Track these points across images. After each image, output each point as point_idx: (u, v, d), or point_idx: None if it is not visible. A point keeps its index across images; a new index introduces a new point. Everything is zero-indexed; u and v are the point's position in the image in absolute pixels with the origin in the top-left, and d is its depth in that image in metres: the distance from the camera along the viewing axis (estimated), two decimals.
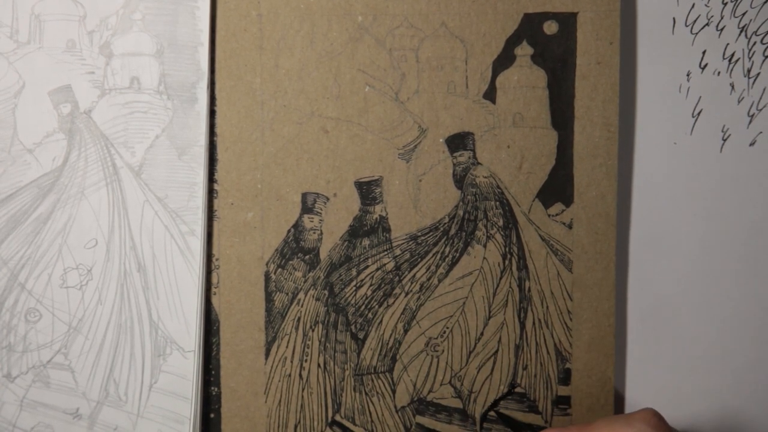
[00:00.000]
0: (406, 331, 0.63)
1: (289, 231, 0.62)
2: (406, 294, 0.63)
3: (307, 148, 0.62)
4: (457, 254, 0.63)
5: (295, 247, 0.62)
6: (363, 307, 0.63)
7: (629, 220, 0.65)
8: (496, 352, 0.64)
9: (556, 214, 0.63)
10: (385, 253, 0.63)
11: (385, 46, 0.61)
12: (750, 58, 0.64)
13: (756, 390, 0.66)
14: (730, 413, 0.66)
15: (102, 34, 0.60)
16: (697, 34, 0.64)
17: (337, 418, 0.63)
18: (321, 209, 0.62)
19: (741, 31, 0.64)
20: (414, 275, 0.63)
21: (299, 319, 0.63)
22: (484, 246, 0.63)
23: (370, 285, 0.63)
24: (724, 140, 0.64)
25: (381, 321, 0.63)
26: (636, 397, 0.66)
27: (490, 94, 0.62)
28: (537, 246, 0.63)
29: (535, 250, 0.63)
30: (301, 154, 0.62)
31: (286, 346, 0.63)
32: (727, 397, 0.66)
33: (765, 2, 0.64)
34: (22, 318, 0.61)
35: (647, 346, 0.66)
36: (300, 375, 0.63)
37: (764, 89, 0.64)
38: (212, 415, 0.63)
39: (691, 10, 0.64)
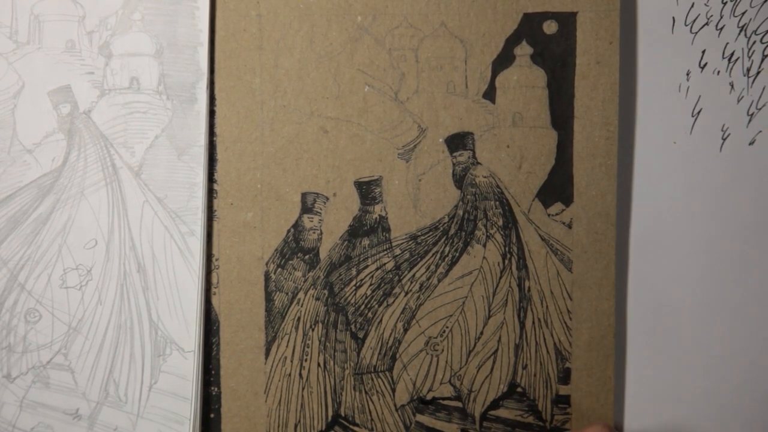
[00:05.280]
0: (405, 331, 0.63)
1: (288, 231, 0.62)
2: (406, 293, 0.63)
3: (307, 148, 0.62)
4: (457, 254, 0.63)
5: (295, 246, 0.62)
6: (363, 306, 0.63)
7: (629, 220, 0.65)
8: (496, 351, 0.64)
9: (556, 214, 0.63)
10: (385, 252, 0.63)
11: (384, 45, 0.61)
12: (749, 57, 0.64)
13: (756, 389, 0.66)
14: (730, 412, 0.66)
15: (101, 34, 0.60)
16: (696, 33, 0.64)
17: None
18: (321, 209, 0.62)
19: (740, 31, 0.64)
20: (414, 275, 0.63)
21: (299, 318, 0.63)
22: (484, 246, 0.63)
23: (370, 284, 0.63)
24: (724, 139, 0.64)
25: (381, 320, 0.63)
26: (636, 397, 0.66)
27: (490, 94, 0.62)
28: (537, 246, 0.63)
29: (534, 250, 0.63)
30: (301, 154, 0.62)
31: (286, 346, 0.63)
32: (727, 397, 0.66)
33: (765, 2, 0.63)
34: (22, 318, 0.61)
35: (647, 345, 0.66)
36: (300, 374, 0.63)
37: (764, 88, 0.64)
38: (212, 415, 0.63)
39: (690, 9, 0.63)
